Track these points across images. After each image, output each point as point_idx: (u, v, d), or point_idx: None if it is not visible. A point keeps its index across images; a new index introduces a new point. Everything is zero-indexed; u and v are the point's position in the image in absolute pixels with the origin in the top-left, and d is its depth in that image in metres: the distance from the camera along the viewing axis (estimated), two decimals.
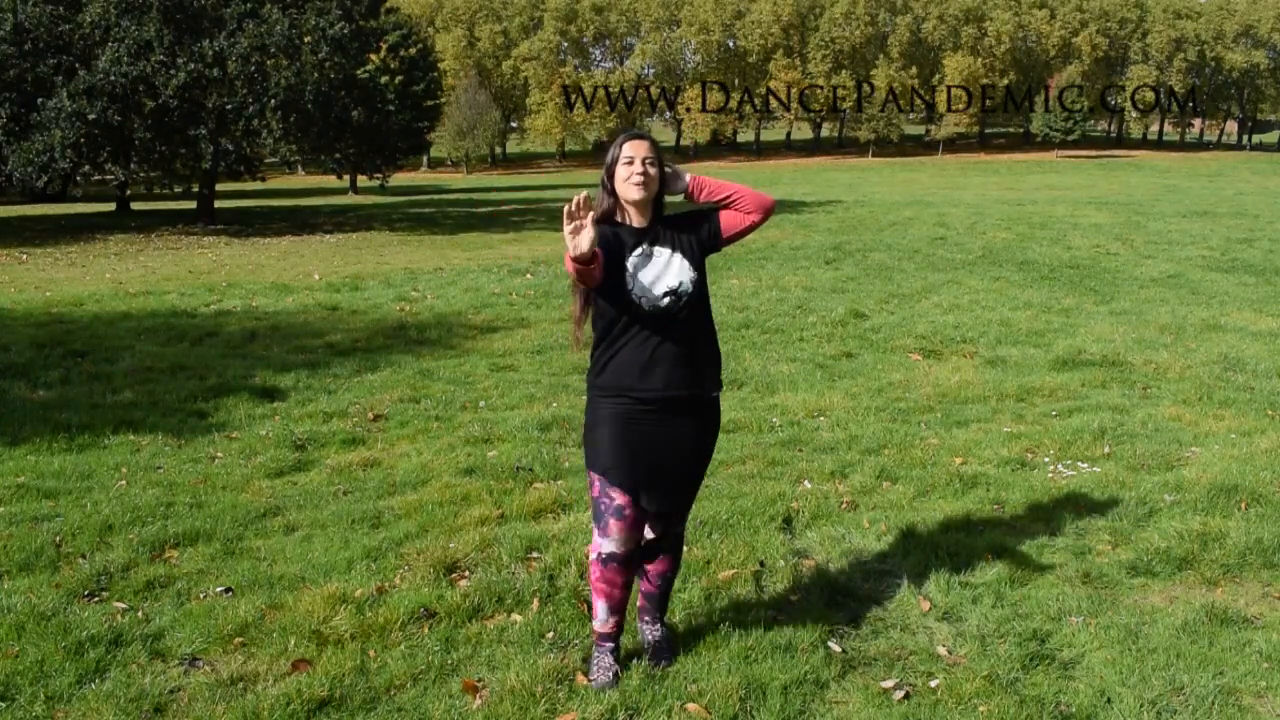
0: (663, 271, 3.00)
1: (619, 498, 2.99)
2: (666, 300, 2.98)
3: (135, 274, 14.16)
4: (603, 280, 2.94)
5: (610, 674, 3.08)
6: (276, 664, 3.19)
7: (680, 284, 3.00)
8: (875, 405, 6.37)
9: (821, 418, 6.11)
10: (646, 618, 3.30)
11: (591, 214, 2.78)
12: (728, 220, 3.09)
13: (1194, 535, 4.10)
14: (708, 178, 3.08)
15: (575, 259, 2.76)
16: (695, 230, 3.09)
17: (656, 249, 3.02)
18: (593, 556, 3.07)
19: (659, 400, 3.00)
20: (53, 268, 15.21)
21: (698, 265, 3.05)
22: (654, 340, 3.00)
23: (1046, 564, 3.93)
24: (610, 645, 3.13)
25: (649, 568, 3.24)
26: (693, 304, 3.03)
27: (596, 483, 3.03)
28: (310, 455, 5.45)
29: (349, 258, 16.36)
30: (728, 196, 3.07)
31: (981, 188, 40.71)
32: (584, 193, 2.80)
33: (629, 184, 2.97)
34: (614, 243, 2.98)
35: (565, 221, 2.73)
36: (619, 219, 3.05)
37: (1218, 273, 12.79)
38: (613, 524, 3.00)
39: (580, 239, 2.74)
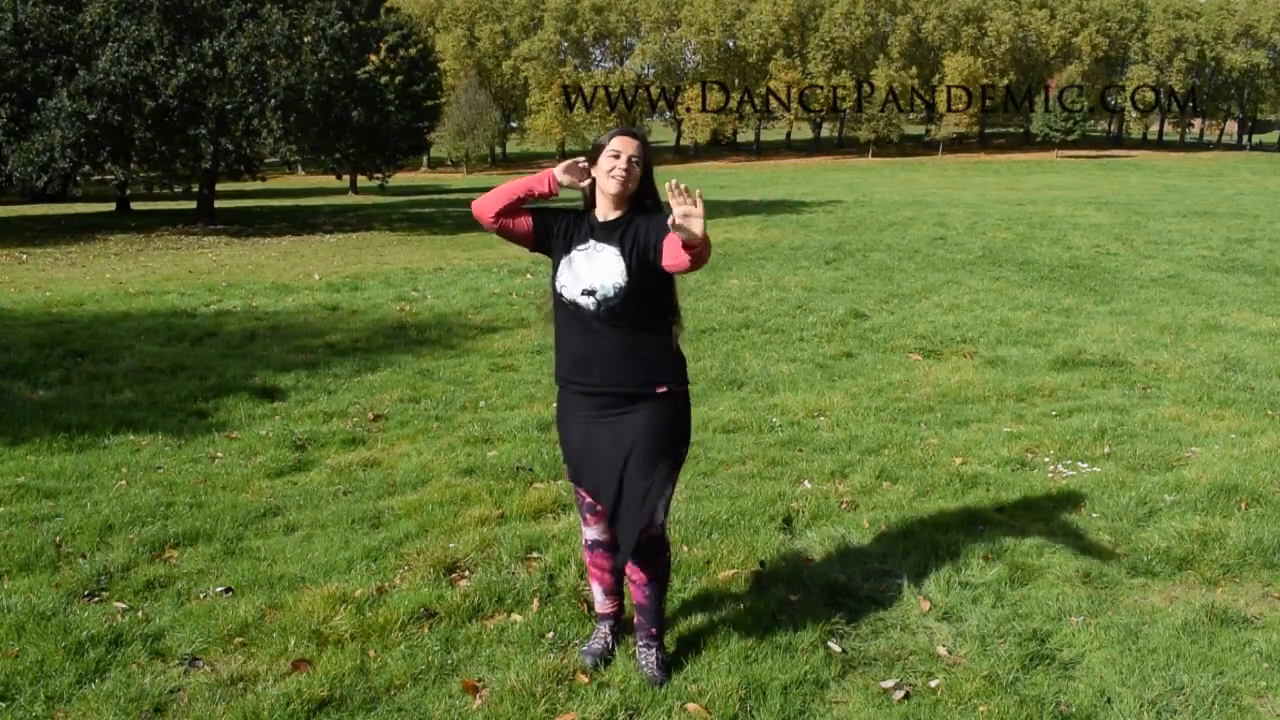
0: (592, 269, 2.92)
1: (586, 496, 3.10)
2: (583, 298, 2.93)
3: (135, 274, 14.16)
4: (525, 244, 3.06)
5: (601, 641, 3.24)
6: (276, 664, 3.20)
7: (600, 286, 2.90)
8: (875, 405, 6.37)
9: (821, 418, 6.11)
10: (643, 636, 3.15)
11: (582, 181, 2.99)
12: (671, 250, 2.78)
13: (1194, 535, 4.10)
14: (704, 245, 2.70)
15: (557, 179, 2.97)
16: (658, 236, 2.86)
17: (603, 245, 2.94)
18: (583, 544, 3.25)
19: (599, 394, 2.97)
20: (53, 268, 15.21)
21: (635, 272, 2.88)
22: (587, 334, 2.96)
23: (1046, 564, 3.93)
24: (610, 622, 3.27)
25: (632, 577, 3.11)
26: (618, 307, 2.90)
27: (570, 477, 3.17)
28: (310, 455, 5.45)
29: (349, 258, 16.36)
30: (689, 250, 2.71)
31: (981, 188, 40.72)
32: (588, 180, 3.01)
33: (608, 177, 2.92)
34: (564, 227, 3.02)
35: (575, 165, 2.97)
36: (594, 200, 3.03)
37: (1218, 273, 12.79)
38: (588, 516, 3.14)
39: (566, 176, 2.96)
